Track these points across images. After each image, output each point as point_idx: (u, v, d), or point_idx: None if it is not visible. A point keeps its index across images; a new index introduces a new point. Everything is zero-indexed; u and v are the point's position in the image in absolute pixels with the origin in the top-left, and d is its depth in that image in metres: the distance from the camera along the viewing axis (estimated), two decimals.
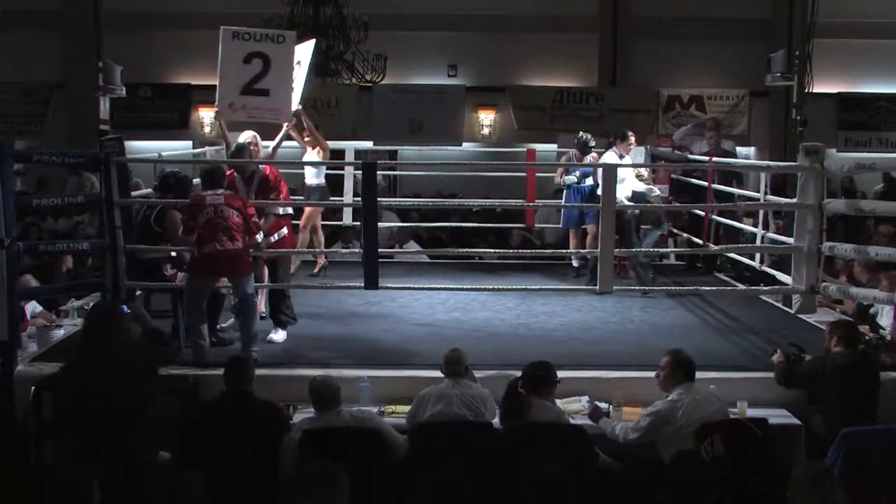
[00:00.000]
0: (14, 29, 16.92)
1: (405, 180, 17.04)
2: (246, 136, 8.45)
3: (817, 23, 9.63)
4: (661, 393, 6.29)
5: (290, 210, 8.73)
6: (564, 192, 10.63)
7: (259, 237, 7.62)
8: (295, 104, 8.56)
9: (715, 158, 10.69)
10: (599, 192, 9.33)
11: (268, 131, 8.68)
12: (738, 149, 13.87)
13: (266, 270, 8.31)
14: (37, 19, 16.97)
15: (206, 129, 17.77)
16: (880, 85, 18.32)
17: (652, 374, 6.65)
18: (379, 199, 8.42)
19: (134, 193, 8.53)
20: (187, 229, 7.29)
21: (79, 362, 5.55)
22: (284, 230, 8.31)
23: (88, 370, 5.42)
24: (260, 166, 8.14)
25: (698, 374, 6.27)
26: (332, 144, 14.33)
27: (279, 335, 7.97)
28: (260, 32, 8.31)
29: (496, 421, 6.30)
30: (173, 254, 8.07)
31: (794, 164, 8.39)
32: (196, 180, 8.68)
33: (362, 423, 5.89)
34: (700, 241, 10.43)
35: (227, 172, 8.07)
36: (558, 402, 6.36)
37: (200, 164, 8.43)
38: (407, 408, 6.37)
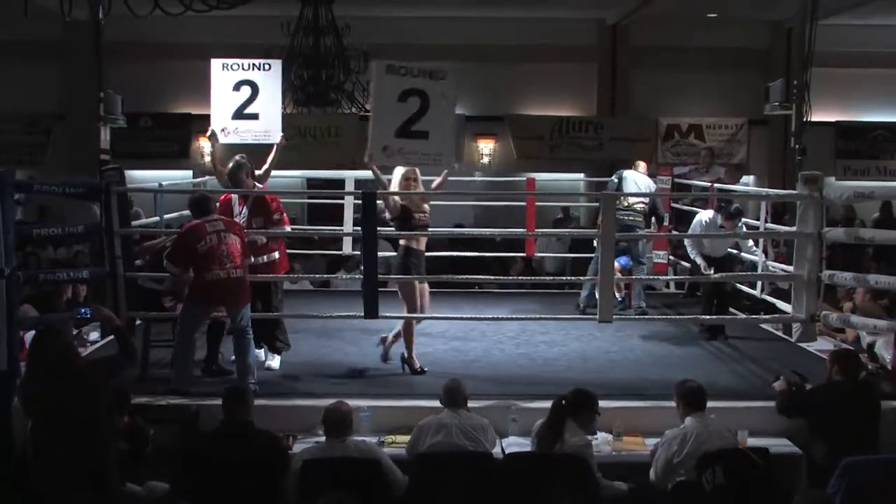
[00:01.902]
0: (15, 60, 16.97)
1: None
2: (403, 172, 7.82)
3: (815, 52, 9.68)
4: (662, 423, 6.30)
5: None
6: None
7: (251, 258, 7.65)
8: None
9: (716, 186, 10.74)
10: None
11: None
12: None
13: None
14: (38, 50, 17.03)
15: (206, 159, 17.79)
16: (878, 114, 18.39)
17: (651, 403, 6.70)
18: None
19: (134, 223, 8.54)
20: (177, 261, 7.26)
21: (31, 392, 5.58)
22: (276, 254, 8.17)
23: (41, 397, 5.45)
24: (258, 186, 8.16)
25: None
26: (332, 174, 14.43)
27: (276, 361, 7.97)
28: (418, 67, 7.79)
29: (497, 451, 6.30)
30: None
31: (793, 192, 8.41)
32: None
33: (363, 453, 5.87)
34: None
35: (222, 197, 8.10)
36: None
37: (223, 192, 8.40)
38: (407, 438, 6.35)
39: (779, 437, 6.67)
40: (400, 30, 17.03)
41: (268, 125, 8.62)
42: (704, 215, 9.37)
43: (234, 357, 7.44)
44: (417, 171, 7.84)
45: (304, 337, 8.85)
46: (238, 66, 8.62)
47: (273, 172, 8.61)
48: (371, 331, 9.12)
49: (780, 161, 16.92)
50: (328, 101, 14.15)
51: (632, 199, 10.12)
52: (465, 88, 18.37)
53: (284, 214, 8.25)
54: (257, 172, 8.49)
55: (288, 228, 8.48)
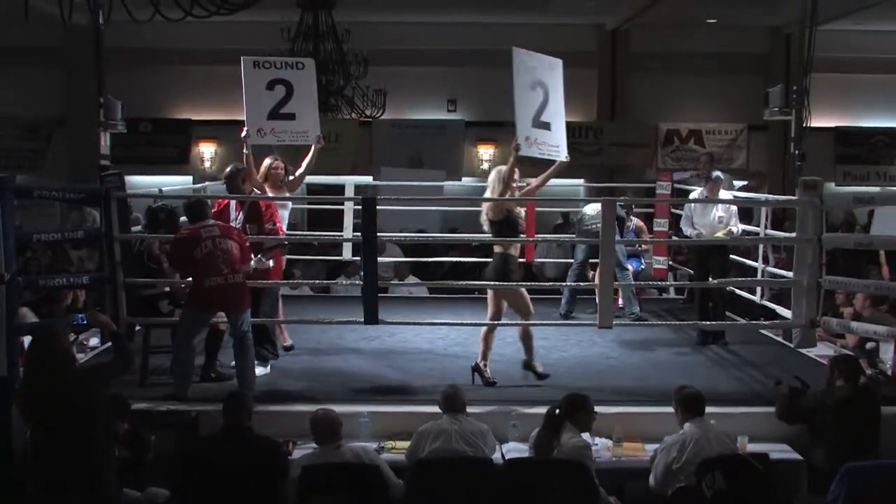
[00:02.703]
0: (16, 65, 16.97)
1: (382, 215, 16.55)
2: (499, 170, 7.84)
3: (815, 58, 9.68)
4: (662, 429, 6.29)
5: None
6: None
7: (252, 264, 7.61)
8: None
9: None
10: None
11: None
12: (736, 183, 13.93)
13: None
14: (38, 56, 17.03)
15: (206, 164, 17.80)
16: (878, 119, 18.38)
17: (651, 409, 6.69)
18: (380, 233, 8.35)
19: (134, 228, 8.53)
20: (177, 265, 7.23)
21: (28, 397, 5.54)
22: (269, 262, 8.08)
23: (39, 401, 5.40)
24: (256, 191, 8.15)
25: None
26: (332, 179, 14.41)
27: (259, 370, 7.76)
28: (537, 57, 7.80)
29: (496, 456, 6.29)
30: (167, 288, 8.07)
31: (793, 198, 8.40)
32: (183, 218, 8.45)
33: (361, 459, 5.86)
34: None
35: (218, 201, 8.09)
36: None
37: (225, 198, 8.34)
38: (407, 443, 6.35)
39: (779, 442, 6.67)
40: (400, 35, 17.05)
41: (305, 125, 8.48)
42: (696, 191, 9.72)
43: (233, 362, 7.43)
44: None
45: (304, 342, 8.84)
46: (270, 64, 8.46)
47: None
48: (371, 336, 9.12)
49: (779, 166, 16.89)
50: (328, 106, 14.14)
51: (591, 212, 10.24)
52: (465, 94, 18.46)
53: (278, 223, 8.14)
54: (289, 177, 8.48)
55: (282, 236, 8.38)
